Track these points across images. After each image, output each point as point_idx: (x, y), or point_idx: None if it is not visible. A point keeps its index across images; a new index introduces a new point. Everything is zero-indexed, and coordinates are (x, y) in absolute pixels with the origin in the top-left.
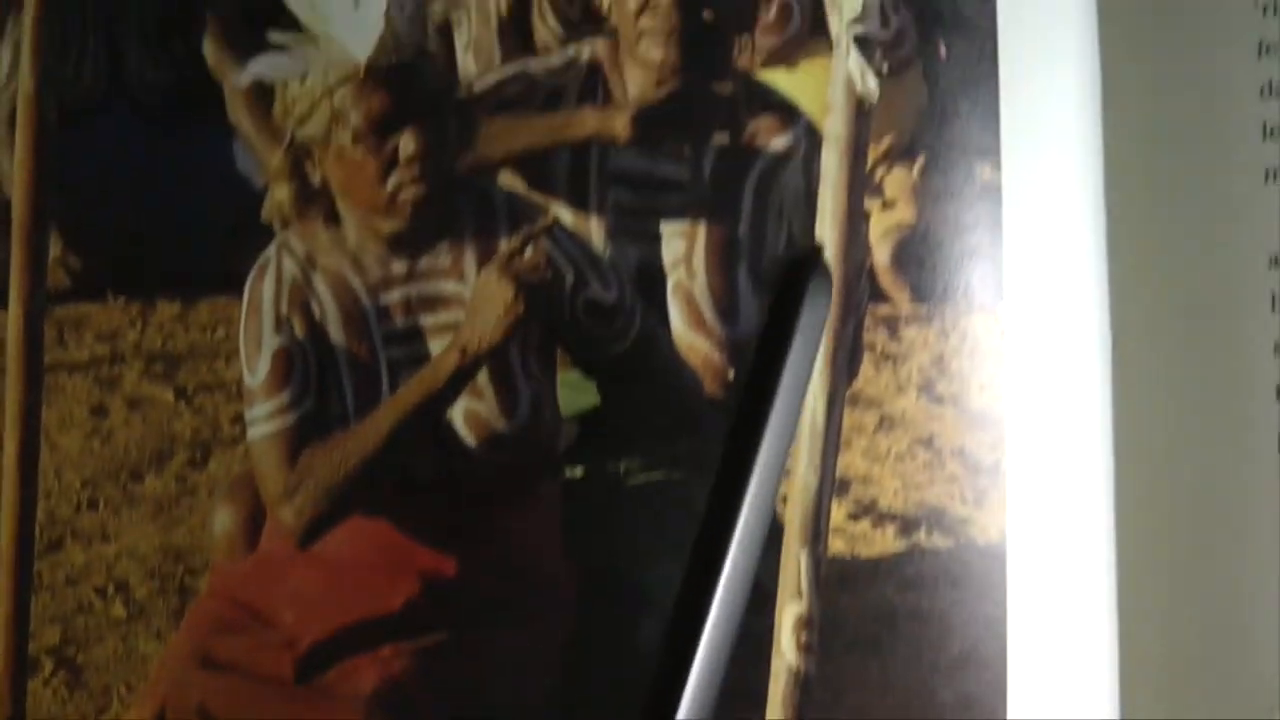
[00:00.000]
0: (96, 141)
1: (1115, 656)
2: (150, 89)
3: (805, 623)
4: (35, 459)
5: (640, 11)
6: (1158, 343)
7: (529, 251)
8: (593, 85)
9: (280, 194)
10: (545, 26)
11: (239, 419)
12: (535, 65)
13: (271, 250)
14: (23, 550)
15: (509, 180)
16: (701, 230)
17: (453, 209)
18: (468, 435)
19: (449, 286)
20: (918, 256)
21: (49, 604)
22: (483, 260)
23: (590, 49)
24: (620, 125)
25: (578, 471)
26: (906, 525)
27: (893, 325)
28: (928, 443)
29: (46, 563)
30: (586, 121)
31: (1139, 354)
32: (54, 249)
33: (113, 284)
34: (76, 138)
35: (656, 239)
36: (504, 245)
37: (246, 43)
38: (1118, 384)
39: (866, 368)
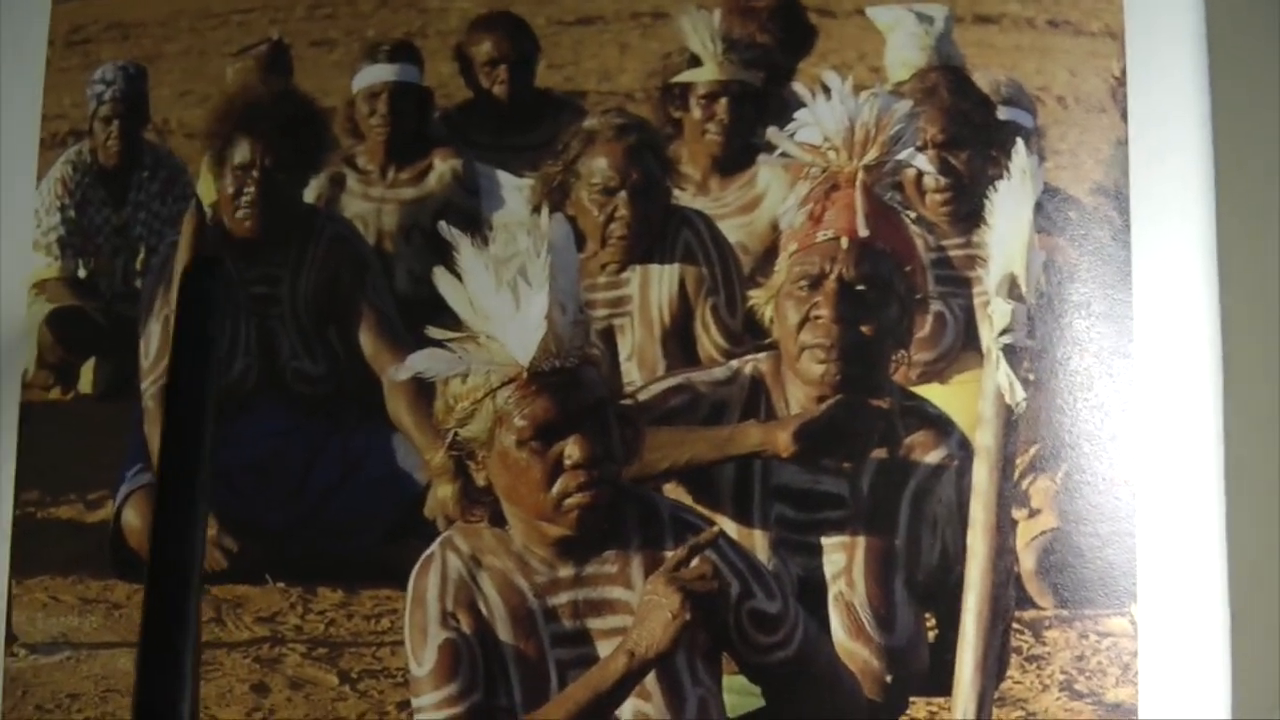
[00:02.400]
0: (249, 428)
1: None
2: (304, 379)
3: None
4: None
5: (801, 325)
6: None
7: (695, 562)
8: (755, 399)
9: (443, 492)
10: (708, 337)
11: (405, 704)
12: (699, 377)
13: (436, 546)
14: None
15: (674, 491)
16: (861, 543)
17: (619, 517)
18: None
19: (616, 592)
20: (1061, 562)
21: None
22: (649, 568)
23: (753, 364)
24: (783, 441)
25: None
26: None
27: (1036, 628)
28: None
29: None
30: (750, 436)
31: (1257, 645)
32: (210, 530)
33: (271, 568)
34: (228, 423)
35: (818, 551)
36: (671, 555)
37: (404, 337)
38: (1237, 675)
39: (1012, 669)
